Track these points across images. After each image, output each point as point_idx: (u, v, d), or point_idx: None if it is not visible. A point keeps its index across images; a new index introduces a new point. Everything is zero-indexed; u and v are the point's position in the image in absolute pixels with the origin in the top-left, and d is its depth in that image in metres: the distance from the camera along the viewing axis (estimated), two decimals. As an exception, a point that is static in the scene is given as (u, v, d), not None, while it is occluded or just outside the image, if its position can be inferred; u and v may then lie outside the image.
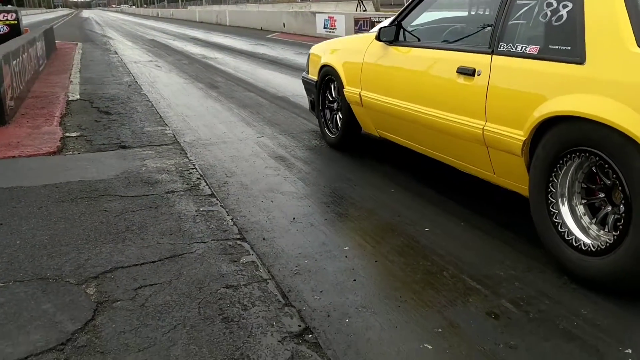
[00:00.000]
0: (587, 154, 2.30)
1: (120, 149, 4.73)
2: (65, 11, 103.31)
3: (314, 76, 4.81)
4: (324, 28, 17.90)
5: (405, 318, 2.19)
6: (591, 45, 2.31)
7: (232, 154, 4.52)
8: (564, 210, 2.46)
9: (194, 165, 4.24)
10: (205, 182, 3.84)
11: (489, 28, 2.88)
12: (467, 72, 2.91)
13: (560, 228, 2.46)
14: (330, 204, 3.42)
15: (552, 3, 2.53)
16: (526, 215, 2.72)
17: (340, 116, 4.47)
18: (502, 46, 2.75)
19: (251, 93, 7.58)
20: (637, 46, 2.15)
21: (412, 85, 3.44)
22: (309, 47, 5.28)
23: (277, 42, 17.08)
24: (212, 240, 2.90)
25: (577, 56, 2.35)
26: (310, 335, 2.09)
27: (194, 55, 13.28)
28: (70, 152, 4.66)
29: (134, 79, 9.19)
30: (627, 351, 1.97)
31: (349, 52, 4.26)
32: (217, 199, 3.50)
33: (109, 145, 4.87)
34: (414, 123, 3.44)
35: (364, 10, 18.02)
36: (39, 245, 2.85)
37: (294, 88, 7.79)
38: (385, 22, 4.02)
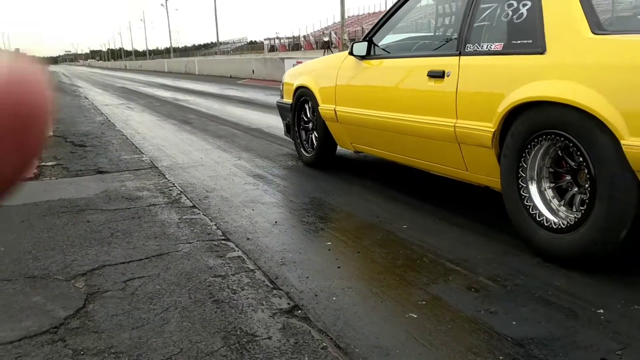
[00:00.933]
0: (553, 136, 2.47)
1: (98, 174, 4.76)
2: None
3: (288, 99, 4.99)
4: (293, 72, 18.30)
5: (390, 294, 2.28)
6: (550, 36, 2.51)
7: (211, 174, 4.60)
8: (534, 193, 2.62)
9: (174, 184, 4.30)
10: (186, 196, 3.90)
11: (456, 34, 3.10)
12: (437, 75, 3.09)
13: (532, 210, 2.61)
14: (310, 210, 3.52)
15: (512, 3, 2.76)
16: (500, 212, 2.87)
17: (316, 135, 4.62)
18: (469, 47, 2.95)
19: (225, 126, 7.71)
20: (591, 33, 2.36)
21: (385, 94, 3.61)
22: (278, 90, 5.44)
23: (247, 87, 17.39)
24: (197, 241, 2.96)
25: (538, 47, 2.55)
26: (299, 311, 2.15)
27: (165, 98, 13.43)
28: (48, 178, 4.68)
29: (107, 118, 9.25)
30: (599, 311, 2.09)
31: (323, 70, 4.47)
32: (199, 209, 3.57)
33: (86, 171, 4.91)
34: (388, 131, 3.60)
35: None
36: (24, 251, 2.87)
37: (267, 121, 7.98)
38: None
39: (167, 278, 2.47)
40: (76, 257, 2.77)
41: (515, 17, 2.73)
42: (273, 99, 11.46)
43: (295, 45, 56.18)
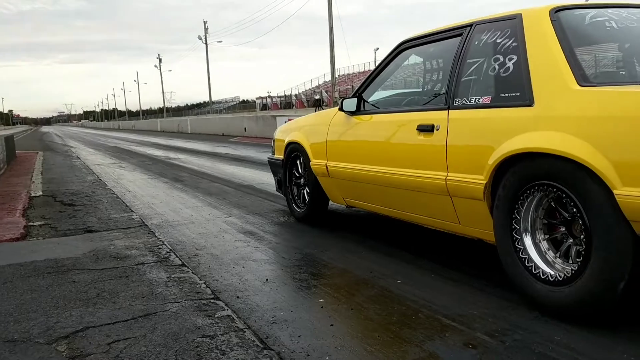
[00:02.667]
0: (545, 187, 2.45)
1: (87, 233, 4.69)
2: (24, 127, 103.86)
3: (280, 155, 5.01)
4: (285, 130, 18.49)
5: (385, 352, 2.19)
6: (537, 88, 2.56)
7: (201, 232, 4.54)
8: (529, 245, 2.58)
9: (163, 242, 4.23)
10: (175, 254, 3.83)
11: (444, 88, 3.15)
12: (427, 129, 3.11)
13: (527, 263, 2.57)
14: (302, 266, 3.45)
15: (498, 58, 2.82)
16: (496, 266, 2.81)
17: (308, 190, 4.61)
18: (457, 101, 2.99)
19: (216, 183, 7.69)
20: (577, 85, 2.40)
21: (376, 149, 3.63)
22: (270, 147, 5.49)
23: (239, 144, 17.51)
24: (185, 300, 2.87)
25: (526, 100, 2.59)
26: (291, 373, 2.06)
27: (157, 157, 13.47)
28: (35, 238, 4.60)
29: (98, 177, 9.23)
30: (602, 367, 2.01)
31: (314, 126, 4.50)
32: (188, 268, 3.49)
33: (74, 230, 4.83)
34: (380, 185, 3.59)
35: (322, 112, 18.75)
36: (5, 313, 2.77)
37: (259, 178, 7.97)
38: None
39: (154, 339, 2.38)
40: (59, 318, 2.67)
41: (502, 70, 2.79)
42: (265, 155, 11.52)
43: (287, 103, 57.05)
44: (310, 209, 4.59)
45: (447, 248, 3.61)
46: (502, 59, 2.80)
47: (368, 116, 3.81)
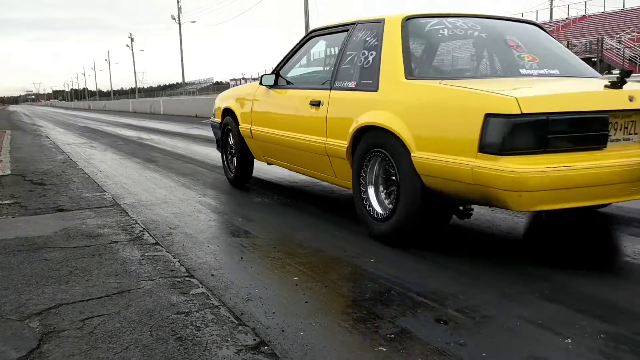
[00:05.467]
0: (379, 152, 3.35)
1: (58, 212, 4.62)
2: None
3: (218, 119, 5.85)
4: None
5: (358, 328, 2.24)
6: (382, 78, 3.42)
7: (174, 211, 4.52)
8: (370, 193, 3.53)
9: (136, 221, 4.20)
10: (149, 233, 3.81)
11: (331, 73, 3.98)
12: (315, 104, 3.99)
13: (368, 206, 3.53)
14: (277, 245, 3.47)
15: (365, 52, 3.67)
16: (469, 247, 2.88)
17: (238, 149, 5.39)
18: (336, 84, 3.85)
19: (190, 164, 7.64)
20: (404, 77, 3.28)
21: (283, 117, 4.51)
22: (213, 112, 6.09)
23: (213, 126, 17.33)
24: (159, 278, 2.87)
25: (375, 87, 3.46)
26: (266, 347, 2.09)
27: (129, 137, 13.28)
28: (4, 217, 4.52)
29: (68, 157, 9.07)
30: (566, 341, 2.09)
31: (242, 96, 5.32)
32: (162, 246, 3.48)
33: (45, 209, 4.76)
34: (286, 147, 4.46)
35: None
36: (-25, 290, 2.73)
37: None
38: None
39: (128, 316, 2.38)
40: (31, 296, 2.65)
41: (365, 62, 3.63)
42: (239, 137, 11.48)
43: (261, 86, 56.58)
44: (240, 164, 5.41)
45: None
46: (366, 54, 3.64)
47: (281, 90, 4.66)
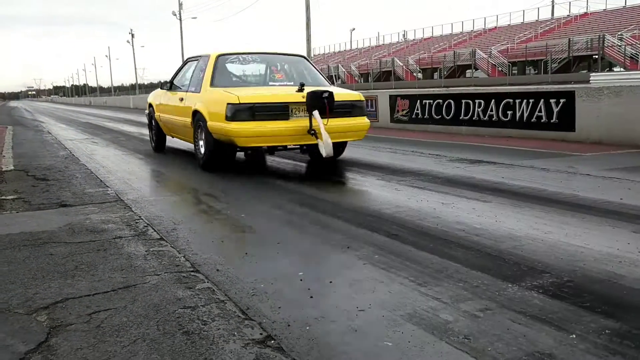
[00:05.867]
0: (199, 123, 6.33)
1: (61, 207, 4.63)
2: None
3: (147, 109, 9.23)
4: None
5: (364, 324, 2.25)
6: (203, 87, 6.49)
7: (179, 207, 4.53)
8: (200, 144, 6.49)
9: (140, 216, 4.21)
10: (153, 229, 3.82)
11: (190, 81, 7.04)
12: (182, 99, 7.04)
13: (199, 151, 6.54)
14: (281, 241, 3.47)
15: (200, 72, 6.73)
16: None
17: (156, 129, 8.72)
18: (190, 88, 6.87)
19: (194, 160, 7.63)
20: (209, 86, 6.38)
21: (171, 107, 7.59)
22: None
23: (214, 122, 17.33)
24: (165, 273, 2.89)
25: (200, 90, 6.51)
26: (272, 342, 2.10)
27: (131, 133, 13.29)
28: (8, 212, 4.53)
29: (71, 152, 9.07)
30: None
31: (157, 95, 8.54)
32: (166, 242, 3.49)
33: (48, 204, 4.77)
34: (174, 125, 7.56)
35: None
36: (-18, 285, 2.75)
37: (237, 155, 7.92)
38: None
39: (135, 310, 2.39)
40: (38, 290, 2.66)
41: (199, 77, 6.69)
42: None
43: (262, 82, 56.56)
44: (157, 137, 8.72)
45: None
46: (200, 73, 6.70)
47: (171, 92, 7.72)
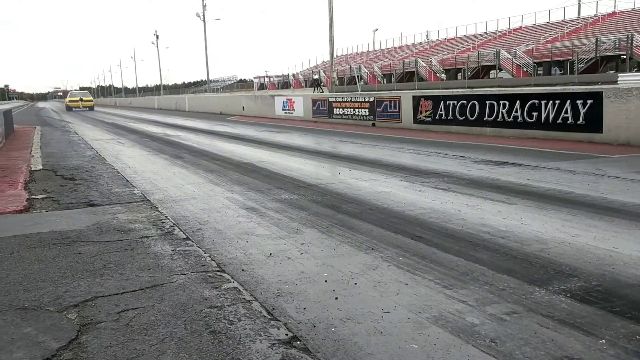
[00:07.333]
0: None
1: (89, 207, 4.71)
2: (21, 102, 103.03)
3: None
4: (283, 110, 18.46)
5: (390, 325, 2.25)
6: None
7: (203, 207, 4.57)
8: None
9: (166, 216, 4.27)
10: (179, 229, 3.87)
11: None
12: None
13: None
14: (305, 242, 3.49)
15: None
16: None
17: None
18: None
19: (217, 161, 7.71)
20: None
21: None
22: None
23: (238, 123, 17.45)
24: (191, 272, 2.92)
25: None
26: (298, 342, 2.12)
27: (156, 134, 13.45)
28: (38, 211, 4.62)
29: (97, 152, 9.23)
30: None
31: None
32: (192, 241, 3.53)
33: (77, 204, 4.85)
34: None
35: (321, 92, 18.72)
36: (14, 282, 2.81)
37: (259, 156, 7.99)
38: None
39: (162, 309, 2.43)
40: (68, 288, 2.71)
41: None
42: (264, 135, 11.57)
43: (284, 83, 56.77)
44: None
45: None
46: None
47: None
